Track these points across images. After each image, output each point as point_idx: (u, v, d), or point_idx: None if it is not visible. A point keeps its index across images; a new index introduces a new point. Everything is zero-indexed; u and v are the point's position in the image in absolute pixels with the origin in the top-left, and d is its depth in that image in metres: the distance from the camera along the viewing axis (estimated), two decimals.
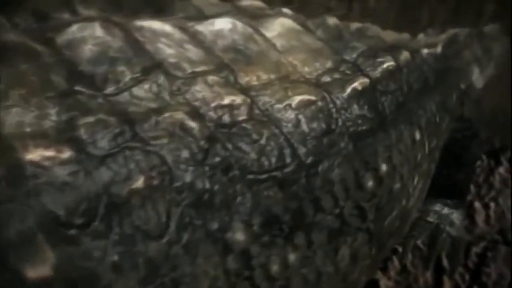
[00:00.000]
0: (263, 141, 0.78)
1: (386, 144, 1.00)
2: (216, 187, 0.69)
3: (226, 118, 0.76)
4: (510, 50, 1.75)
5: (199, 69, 0.79)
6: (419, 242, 1.43)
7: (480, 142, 1.59)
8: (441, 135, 1.30)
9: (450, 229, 1.48)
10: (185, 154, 0.68)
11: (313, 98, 0.88)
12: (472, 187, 1.62)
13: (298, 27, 1.03)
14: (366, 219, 0.94)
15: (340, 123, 0.90)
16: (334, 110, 0.90)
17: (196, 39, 0.85)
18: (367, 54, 1.07)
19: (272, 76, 0.87)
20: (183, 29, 0.85)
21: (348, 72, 0.99)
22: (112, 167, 0.61)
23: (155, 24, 0.82)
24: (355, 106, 0.95)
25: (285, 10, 1.22)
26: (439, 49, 1.36)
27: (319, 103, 0.89)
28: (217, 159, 0.71)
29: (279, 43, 0.96)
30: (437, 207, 1.50)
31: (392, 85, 1.07)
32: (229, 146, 0.73)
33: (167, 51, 0.78)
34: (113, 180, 0.60)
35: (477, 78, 1.59)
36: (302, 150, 0.82)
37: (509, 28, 1.76)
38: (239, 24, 0.92)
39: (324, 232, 0.84)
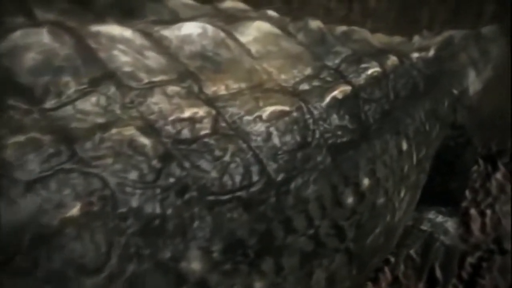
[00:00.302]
0: (227, 158, 0.71)
1: (369, 156, 0.94)
2: (169, 211, 0.63)
3: (186, 133, 0.69)
4: (509, 51, 1.70)
5: (158, 78, 0.73)
6: (412, 251, 1.39)
7: (474, 148, 1.53)
8: (431, 143, 1.24)
9: (444, 238, 1.44)
10: (132, 175, 0.62)
11: (287, 108, 0.82)
12: (468, 193, 1.58)
13: (276, 31, 0.97)
14: (345, 239, 0.87)
15: (317, 135, 0.84)
16: (311, 121, 0.84)
17: (159, 45, 0.79)
18: (351, 59, 1.01)
19: (243, 85, 0.81)
20: (146, 34, 0.79)
21: (329, 79, 0.93)
22: (41, 194, 0.55)
23: (114, 29, 0.76)
24: (335, 116, 0.89)
25: (270, 12, 1.16)
26: (431, 52, 1.31)
27: (294, 114, 0.82)
28: (171, 179, 0.65)
29: (254, 48, 0.90)
30: (431, 215, 1.47)
31: (377, 93, 1.01)
32: (187, 164, 0.67)
33: (123, 59, 0.72)
34: (41, 209, 0.54)
35: (473, 81, 1.54)
36: (272, 167, 0.76)
37: (508, 29, 1.71)
38: (210, 28, 0.86)
39: (296, 255, 0.78)
